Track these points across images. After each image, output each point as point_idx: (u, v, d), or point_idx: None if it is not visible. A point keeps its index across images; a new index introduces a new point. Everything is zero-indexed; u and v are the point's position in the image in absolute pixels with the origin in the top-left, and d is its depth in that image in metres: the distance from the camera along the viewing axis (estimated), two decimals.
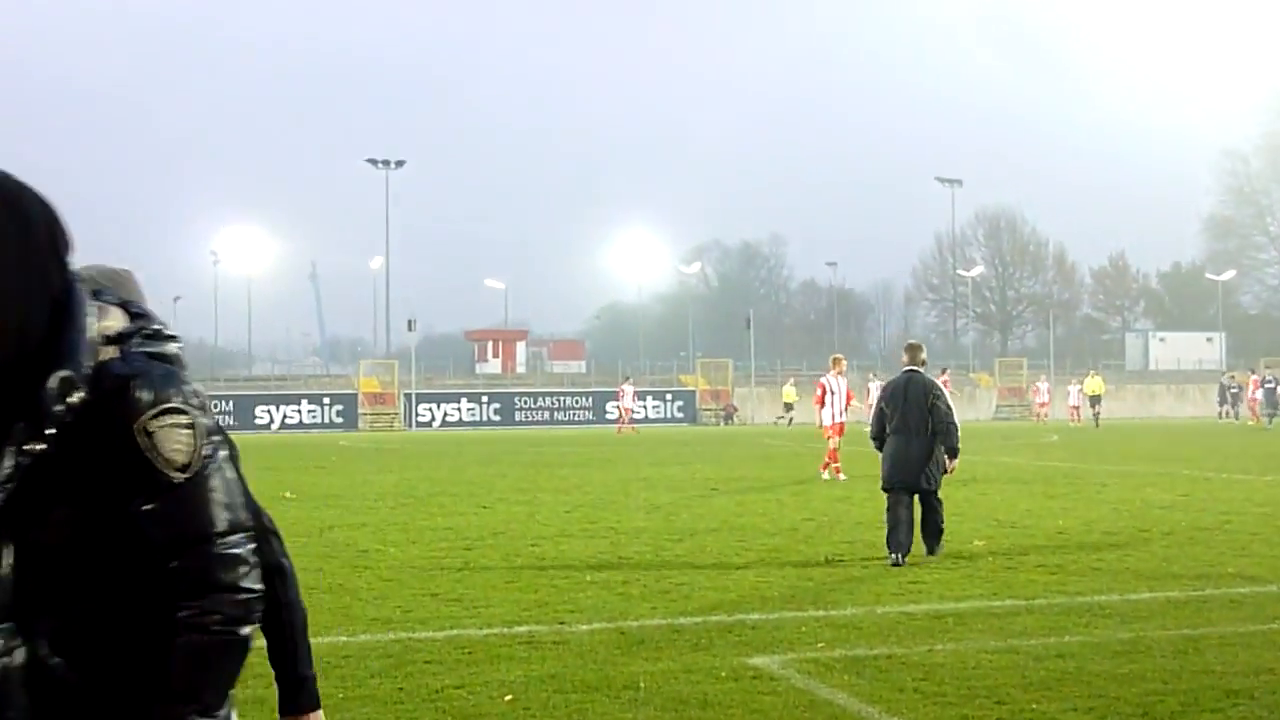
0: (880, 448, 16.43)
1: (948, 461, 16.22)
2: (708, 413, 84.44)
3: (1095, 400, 67.07)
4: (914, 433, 16.09)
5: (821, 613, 12.20)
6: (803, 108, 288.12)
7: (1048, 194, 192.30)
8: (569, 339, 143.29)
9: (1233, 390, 71.80)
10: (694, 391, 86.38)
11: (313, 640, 10.90)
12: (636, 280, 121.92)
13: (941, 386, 16.98)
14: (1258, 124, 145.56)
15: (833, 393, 29.98)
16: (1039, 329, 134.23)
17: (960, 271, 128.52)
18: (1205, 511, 20.96)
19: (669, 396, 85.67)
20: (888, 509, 15.89)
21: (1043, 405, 72.06)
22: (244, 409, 76.92)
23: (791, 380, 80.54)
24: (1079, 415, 67.86)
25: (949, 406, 16.33)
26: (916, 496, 15.88)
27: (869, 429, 17.00)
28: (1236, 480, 27.60)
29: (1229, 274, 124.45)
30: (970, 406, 78.83)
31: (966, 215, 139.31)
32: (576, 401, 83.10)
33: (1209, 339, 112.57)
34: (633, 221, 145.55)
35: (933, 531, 16.04)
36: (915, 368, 16.65)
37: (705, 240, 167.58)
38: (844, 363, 30.93)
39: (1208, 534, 17.99)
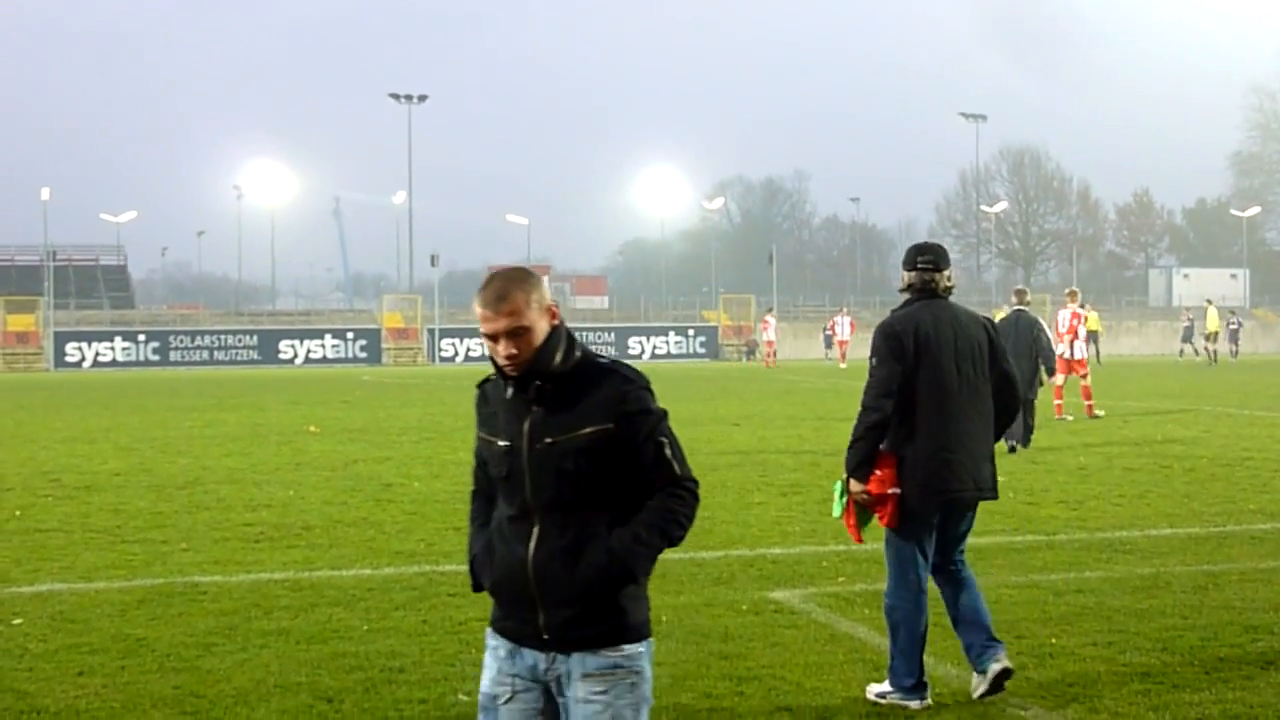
0: None
1: (1046, 377, 22.14)
2: (729, 348, 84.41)
3: (1094, 336, 66.00)
4: (1022, 355, 20.88)
5: (842, 547, 12.24)
6: (826, 43, 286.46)
7: (1072, 130, 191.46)
8: (592, 275, 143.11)
9: (1233, 326, 71.43)
10: (716, 327, 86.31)
11: (338, 572, 10.96)
12: (659, 216, 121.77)
13: (1041, 321, 22.41)
14: None
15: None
16: (1062, 265, 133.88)
17: (984, 207, 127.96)
18: (1226, 448, 20.95)
19: (691, 332, 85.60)
20: None
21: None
22: (268, 343, 77.07)
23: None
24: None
25: (1048, 337, 22.23)
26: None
27: None
28: (1258, 416, 27.55)
29: (1254, 210, 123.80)
30: None
31: (990, 151, 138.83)
32: (600, 337, 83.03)
33: (1233, 275, 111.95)
34: (656, 157, 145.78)
35: (1026, 431, 20.77)
36: (1022, 306, 22.24)
37: (728, 176, 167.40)
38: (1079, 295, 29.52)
39: (1229, 470, 17.99)
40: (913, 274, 7.69)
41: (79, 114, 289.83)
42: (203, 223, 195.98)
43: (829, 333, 70.14)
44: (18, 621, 9.48)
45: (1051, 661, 8.18)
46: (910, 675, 7.39)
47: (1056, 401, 27.08)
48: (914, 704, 7.33)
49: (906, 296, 7.75)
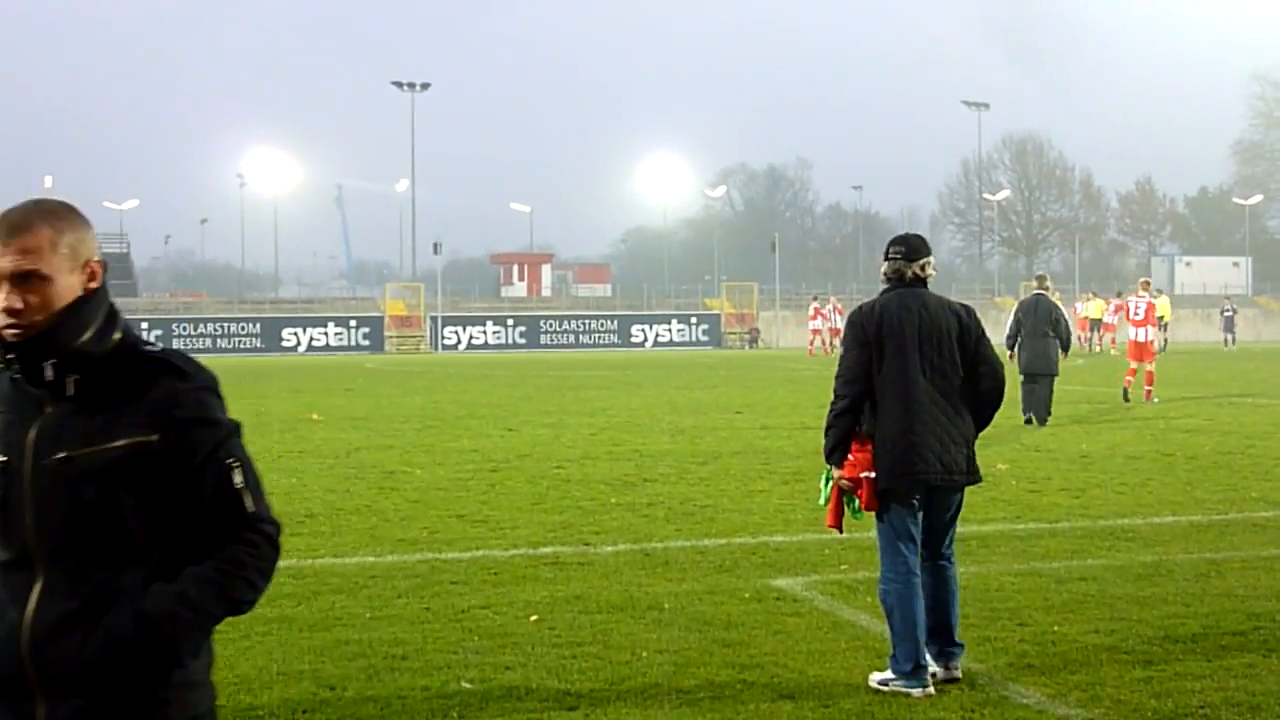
0: (1012, 347, 23.79)
1: (1063, 355, 24.02)
2: (732, 336, 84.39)
3: (1095, 325, 65.72)
4: (1042, 335, 23.57)
5: (845, 535, 12.24)
6: (829, 31, 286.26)
7: (1074, 118, 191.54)
8: (594, 263, 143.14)
9: (1227, 313, 71.35)
10: (719, 315, 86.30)
11: (340, 560, 10.99)
12: (662, 204, 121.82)
13: (1060, 305, 25.09)
14: None
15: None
16: (1065, 253, 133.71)
17: (986, 196, 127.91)
18: (1229, 436, 20.95)
19: (694, 320, 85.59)
20: (1024, 387, 23.17)
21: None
22: (270, 331, 77.12)
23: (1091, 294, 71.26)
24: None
25: (1066, 320, 24.57)
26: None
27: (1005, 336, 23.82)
28: (1261, 405, 27.56)
29: (1256, 198, 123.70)
30: (996, 330, 78.35)
31: (993, 139, 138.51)
32: (602, 325, 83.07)
33: (1235, 264, 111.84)
34: (658, 145, 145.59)
35: (1045, 407, 23.48)
36: (1042, 291, 24.48)
37: (731, 164, 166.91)
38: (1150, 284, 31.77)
39: (1231, 458, 18.00)
40: (886, 264, 7.95)
41: (81, 102, 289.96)
42: (205, 210, 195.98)
43: (811, 320, 68.89)
44: None
45: (1054, 649, 8.19)
46: (909, 660, 7.40)
47: (1147, 387, 28.74)
48: (915, 692, 7.33)
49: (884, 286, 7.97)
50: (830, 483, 7.96)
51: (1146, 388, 28.72)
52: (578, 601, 9.55)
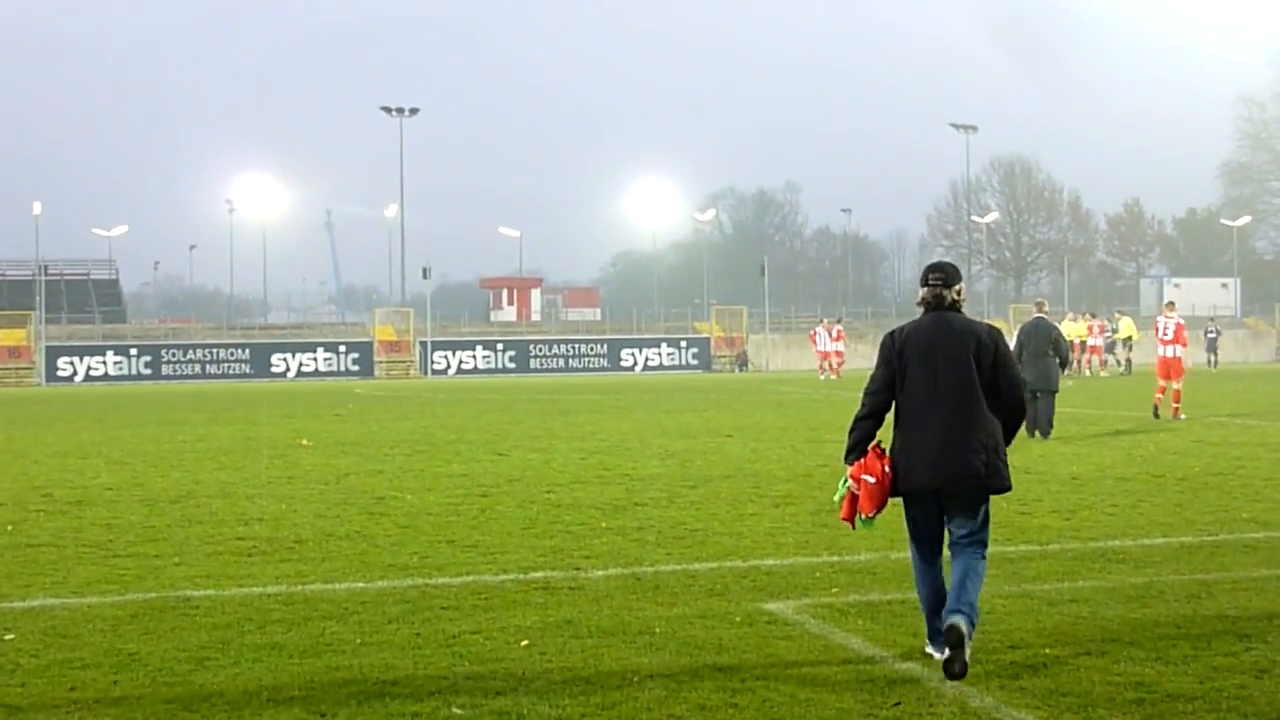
0: None
1: (1063, 373, 25.96)
2: (722, 360, 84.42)
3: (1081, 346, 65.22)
4: (1042, 355, 25.23)
5: (836, 558, 12.26)
6: (817, 55, 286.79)
7: (1063, 140, 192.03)
8: (584, 287, 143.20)
9: (1210, 335, 71.35)
10: (708, 339, 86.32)
11: (330, 586, 10.98)
12: (651, 228, 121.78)
13: (1058, 327, 27.50)
14: (1275, 69, 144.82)
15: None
16: (1053, 275, 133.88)
17: (975, 218, 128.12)
18: (1219, 457, 20.97)
19: (683, 344, 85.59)
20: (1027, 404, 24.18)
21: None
22: (260, 357, 77.02)
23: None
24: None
25: (1065, 341, 26.24)
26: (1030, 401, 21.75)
27: None
28: (1250, 426, 27.59)
29: (1244, 219, 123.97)
30: None
31: (981, 162, 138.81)
32: (591, 349, 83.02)
33: (1224, 285, 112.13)
34: (647, 169, 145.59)
35: (1048, 422, 25.03)
36: (1041, 315, 26.26)
37: (720, 188, 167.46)
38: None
39: (1221, 479, 18.01)
40: (924, 289, 8.77)
41: (70, 128, 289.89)
42: (194, 236, 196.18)
43: (812, 344, 68.69)
44: (10, 637, 9.46)
45: (1045, 671, 8.18)
46: (930, 627, 8.66)
47: (1175, 404, 30.14)
48: (937, 654, 8.44)
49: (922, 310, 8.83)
50: (847, 482, 8.78)
51: (1174, 405, 30.10)
52: (568, 626, 9.53)
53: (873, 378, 8.80)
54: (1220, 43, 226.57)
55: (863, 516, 8.66)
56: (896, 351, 8.68)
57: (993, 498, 8.69)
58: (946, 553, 8.72)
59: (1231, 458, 20.81)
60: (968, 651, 8.11)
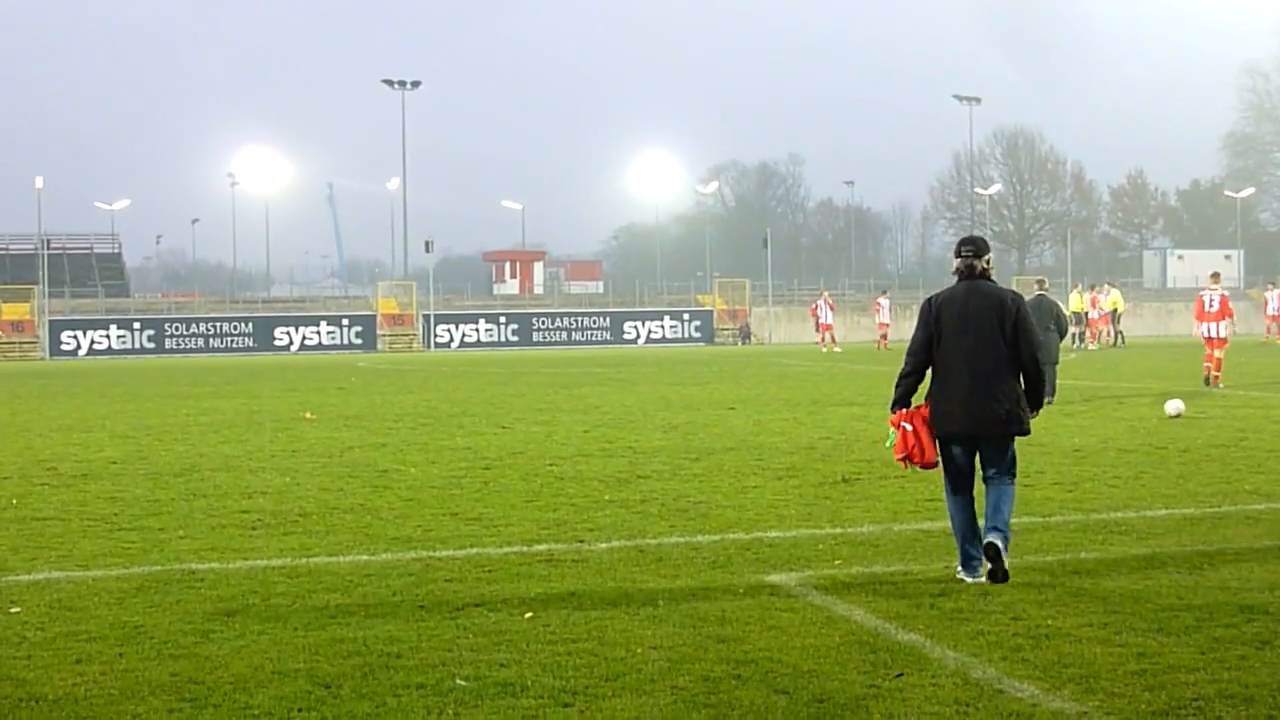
0: None
1: (1064, 346, 28.50)
2: (725, 332, 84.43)
3: (1080, 318, 64.29)
4: (1044, 330, 25.19)
5: (838, 530, 12.27)
6: (819, 26, 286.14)
7: (1066, 112, 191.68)
8: (586, 260, 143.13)
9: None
10: (711, 311, 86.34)
11: (334, 559, 10.98)
12: (654, 201, 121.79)
13: (1060, 304, 28.57)
14: (1278, 39, 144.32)
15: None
16: (1057, 247, 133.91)
17: (978, 190, 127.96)
18: (1222, 429, 20.97)
19: (686, 316, 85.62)
20: None
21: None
22: (263, 330, 77.10)
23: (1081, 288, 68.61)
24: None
25: (1066, 316, 27.62)
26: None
27: None
28: (1254, 397, 27.59)
29: (1248, 191, 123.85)
30: None
31: (984, 134, 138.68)
32: (594, 322, 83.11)
33: (1227, 256, 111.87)
34: (650, 142, 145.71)
35: (1051, 388, 25.58)
36: (1042, 292, 27.34)
37: (722, 160, 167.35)
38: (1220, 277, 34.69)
39: (1224, 451, 18.02)
40: (958, 260, 10.15)
41: (72, 102, 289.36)
42: (197, 210, 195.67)
43: (813, 317, 68.60)
44: (15, 610, 9.48)
45: (1047, 643, 8.19)
46: (961, 553, 10.00)
47: (1215, 373, 31.68)
48: (967, 578, 9.87)
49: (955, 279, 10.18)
50: (892, 432, 10.30)
51: (1215, 373, 31.65)
52: (572, 598, 9.55)
53: (913, 339, 10.18)
54: (1225, 13, 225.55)
55: (911, 462, 10.22)
56: (934, 316, 10.06)
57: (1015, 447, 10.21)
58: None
59: (1234, 429, 20.81)
60: (1006, 561, 9.76)
